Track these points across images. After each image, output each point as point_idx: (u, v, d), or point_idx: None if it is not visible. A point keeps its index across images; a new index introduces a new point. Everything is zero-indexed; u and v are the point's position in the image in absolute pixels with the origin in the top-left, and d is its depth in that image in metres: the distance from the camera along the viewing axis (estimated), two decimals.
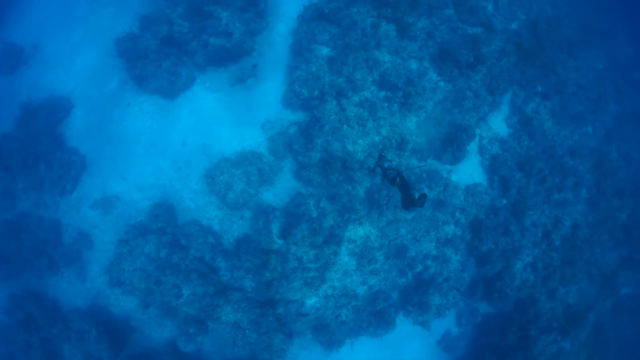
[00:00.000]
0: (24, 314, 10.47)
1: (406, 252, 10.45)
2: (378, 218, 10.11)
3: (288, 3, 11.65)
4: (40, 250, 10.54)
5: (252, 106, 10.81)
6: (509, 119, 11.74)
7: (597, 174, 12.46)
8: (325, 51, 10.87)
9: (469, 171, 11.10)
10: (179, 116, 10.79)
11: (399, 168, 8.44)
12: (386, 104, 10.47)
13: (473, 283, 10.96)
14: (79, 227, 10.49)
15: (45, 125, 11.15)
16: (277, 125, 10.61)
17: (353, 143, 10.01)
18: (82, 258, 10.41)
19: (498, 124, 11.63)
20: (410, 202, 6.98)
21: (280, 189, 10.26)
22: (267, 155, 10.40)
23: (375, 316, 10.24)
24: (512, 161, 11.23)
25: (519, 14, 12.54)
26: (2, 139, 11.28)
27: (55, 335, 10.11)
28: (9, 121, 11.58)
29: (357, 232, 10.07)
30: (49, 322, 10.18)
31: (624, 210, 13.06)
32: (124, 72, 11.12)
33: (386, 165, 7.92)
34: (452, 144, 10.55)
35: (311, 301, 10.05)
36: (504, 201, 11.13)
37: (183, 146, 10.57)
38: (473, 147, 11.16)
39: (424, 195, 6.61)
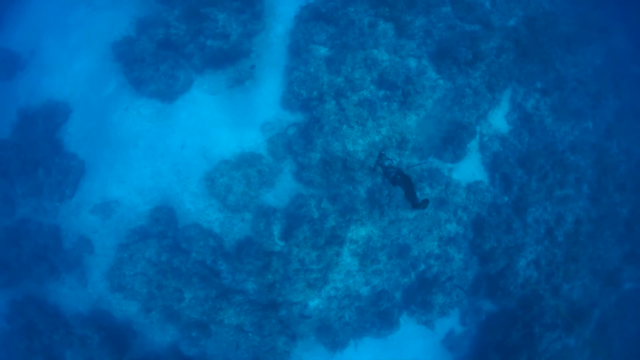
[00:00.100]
0: (25, 320, 10.43)
1: (409, 251, 10.40)
2: (380, 218, 10.06)
3: (285, 4, 11.61)
4: (40, 256, 10.49)
5: (251, 108, 10.76)
6: (509, 115, 11.69)
7: (598, 170, 12.43)
8: (323, 51, 10.83)
9: (470, 169, 11.06)
10: (178, 119, 10.74)
11: (400, 167, 8.39)
12: (385, 103, 10.43)
13: (476, 281, 10.91)
14: (78, 232, 10.44)
15: (43, 131, 11.11)
16: (276, 126, 10.57)
17: (353, 143, 9.97)
18: (82, 263, 10.36)
19: (498, 121, 11.59)
20: (413, 200, 6.93)
21: (281, 191, 10.22)
22: (267, 157, 10.36)
23: (378, 316, 10.19)
24: (513, 158, 11.19)
25: (517, 10, 12.51)
26: (0, 146, 11.24)
27: (57, 342, 10.07)
28: (7, 127, 11.56)
29: (359, 232, 10.02)
30: (51, 328, 10.15)
31: (625, 205, 13.04)
32: (121, 76, 11.08)
33: (386, 164, 7.88)
34: (452, 142, 10.51)
35: (314, 303, 10.00)
36: (506, 198, 11.08)
37: (182, 149, 10.52)
38: (474, 144, 11.11)
39: (426, 201, 6.66)
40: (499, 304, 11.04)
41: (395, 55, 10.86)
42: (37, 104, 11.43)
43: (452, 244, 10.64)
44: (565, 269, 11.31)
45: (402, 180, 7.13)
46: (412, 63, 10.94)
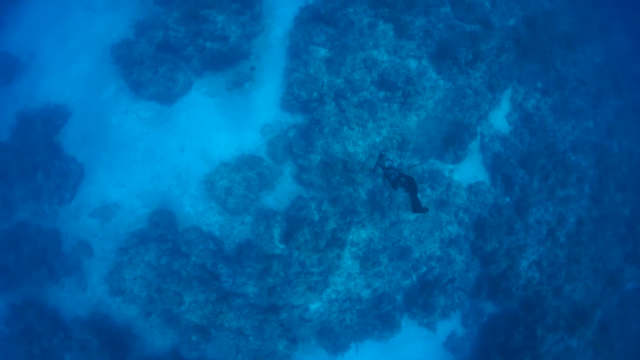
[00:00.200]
0: (25, 324, 10.36)
1: (410, 253, 10.34)
2: (381, 220, 10.00)
3: (284, 5, 11.57)
4: (39, 259, 10.44)
5: (251, 110, 10.72)
6: (510, 115, 11.65)
7: (599, 169, 12.39)
8: (322, 52, 10.78)
9: (472, 170, 11.01)
10: (177, 122, 10.69)
11: (400, 169, 8.34)
12: (386, 104, 10.38)
13: (478, 283, 10.85)
14: (78, 236, 10.39)
15: (42, 134, 11.08)
16: (276, 128, 10.52)
17: (353, 144, 9.92)
18: (82, 267, 10.31)
19: (499, 121, 11.54)
20: (416, 206, 6.90)
21: (281, 193, 10.16)
22: (267, 159, 10.31)
23: (380, 319, 10.12)
24: (514, 158, 11.14)
25: (517, 10, 12.47)
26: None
27: (57, 346, 10.00)
28: (6, 131, 11.52)
29: (360, 234, 9.96)
30: (50, 332, 10.08)
31: (627, 205, 13.01)
32: (120, 79, 11.04)
33: (387, 164, 7.82)
34: (453, 142, 10.45)
35: (315, 306, 9.94)
36: (507, 199, 11.03)
37: (181, 152, 10.48)
38: (475, 145, 11.07)
39: (426, 209, 6.84)
40: (500, 306, 10.98)
41: (395, 56, 10.81)
42: (36, 107, 11.41)
43: (454, 246, 10.58)
44: (568, 270, 11.25)
45: (407, 184, 7.08)
46: (413, 64, 10.90)
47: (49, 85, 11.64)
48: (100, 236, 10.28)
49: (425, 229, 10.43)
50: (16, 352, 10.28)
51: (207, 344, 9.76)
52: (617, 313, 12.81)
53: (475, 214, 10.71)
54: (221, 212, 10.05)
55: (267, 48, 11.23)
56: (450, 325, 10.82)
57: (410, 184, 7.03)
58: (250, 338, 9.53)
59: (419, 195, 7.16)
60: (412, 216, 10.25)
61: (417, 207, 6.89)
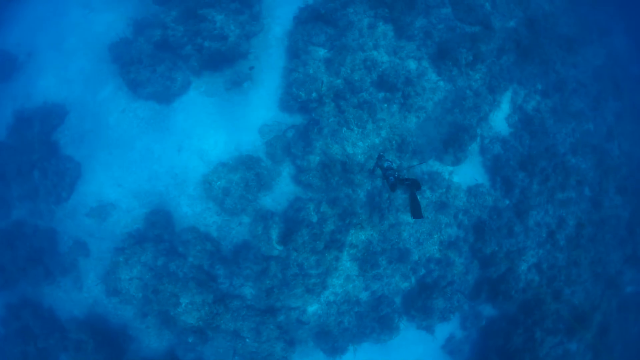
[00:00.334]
0: (20, 324, 10.33)
1: (409, 256, 10.28)
2: (380, 221, 9.94)
3: (283, 5, 11.52)
4: (35, 259, 10.38)
5: (249, 110, 10.65)
6: (510, 117, 11.59)
7: (599, 172, 12.34)
8: (322, 52, 10.73)
9: (471, 172, 10.95)
10: (175, 121, 10.63)
11: (399, 170, 8.28)
12: (385, 105, 10.33)
13: (477, 286, 10.79)
14: (74, 236, 10.32)
15: (39, 133, 10.99)
16: (274, 128, 10.45)
17: (353, 145, 9.86)
18: (78, 267, 10.24)
19: (499, 123, 11.49)
20: (415, 211, 6.83)
21: (279, 194, 10.10)
22: (265, 160, 10.24)
23: (378, 322, 10.06)
24: (514, 161, 11.08)
25: (517, 12, 12.42)
26: None
27: (52, 346, 9.95)
28: (3, 129, 11.45)
29: (359, 236, 9.90)
30: (46, 332, 10.05)
31: (627, 208, 12.96)
32: (118, 78, 10.97)
33: (385, 165, 7.76)
34: (453, 144, 10.40)
35: (313, 308, 9.87)
36: (507, 202, 10.97)
37: (179, 152, 10.41)
38: (474, 147, 11.02)
39: (423, 216, 6.90)
40: (500, 309, 10.93)
41: (395, 57, 10.76)
42: (33, 106, 11.32)
43: (453, 248, 10.52)
44: (567, 273, 11.21)
45: (411, 187, 6.99)
46: (412, 65, 10.84)
47: (46, 83, 11.56)
48: (96, 236, 10.21)
49: (425, 231, 10.37)
50: (12, 352, 10.25)
51: (204, 345, 9.70)
52: (616, 316, 12.77)
53: (475, 217, 10.65)
54: (219, 212, 9.98)
55: (266, 48, 11.17)
56: (449, 328, 10.77)
57: (414, 188, 6.94)
58: (247, 340, 9.47)
59: (418, 197, 7.08)
60: (411, 219, 10.19)
61: (416, 212, 6.82)
